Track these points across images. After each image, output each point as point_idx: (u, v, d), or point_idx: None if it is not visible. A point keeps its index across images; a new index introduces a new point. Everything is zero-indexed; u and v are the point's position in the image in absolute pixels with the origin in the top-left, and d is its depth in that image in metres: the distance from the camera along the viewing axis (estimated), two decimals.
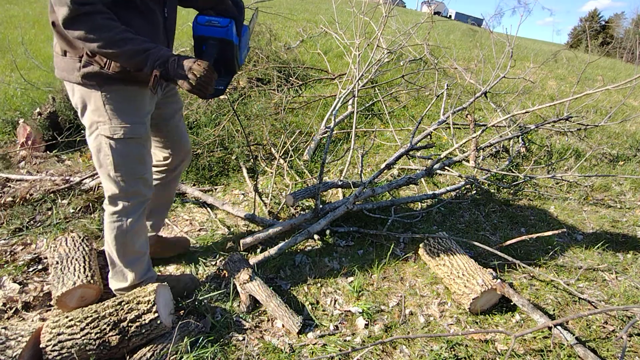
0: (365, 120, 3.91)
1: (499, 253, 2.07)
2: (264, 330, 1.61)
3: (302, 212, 2.40)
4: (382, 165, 2.28)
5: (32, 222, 2.06)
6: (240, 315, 1.65)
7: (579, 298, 1.94)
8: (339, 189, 2.62)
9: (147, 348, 1.38)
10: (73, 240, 1.74)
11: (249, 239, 2.00)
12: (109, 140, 1.32)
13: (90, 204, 2.22)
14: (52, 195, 2.23)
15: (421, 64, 5.22)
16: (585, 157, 3.57)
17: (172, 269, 1.88)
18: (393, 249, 2.17)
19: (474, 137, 2.68)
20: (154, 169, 1.69)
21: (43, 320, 1.52)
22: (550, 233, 2.26)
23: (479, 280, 1.74)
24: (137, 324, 1.37)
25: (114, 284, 1.57)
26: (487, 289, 1.71)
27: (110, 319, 1.35)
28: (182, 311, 1.62)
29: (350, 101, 3.80)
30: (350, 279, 1.93)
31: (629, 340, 1.70)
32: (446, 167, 2.87)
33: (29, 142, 2.70)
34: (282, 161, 2.82)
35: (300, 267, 1.97)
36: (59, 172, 2.53)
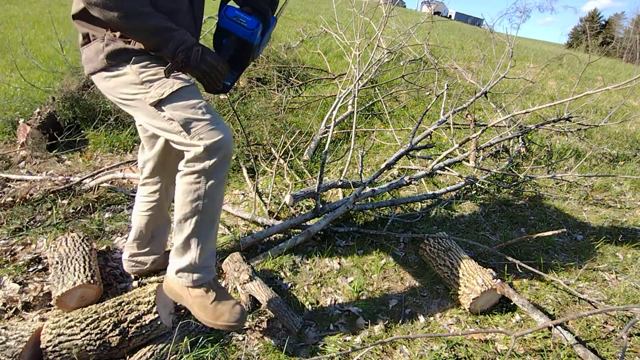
0: (365, 120, 3.91)
1: (499, 253, 2.07)
2: (264, 330, 1.61)
3: (302, 212, 2.40)
4: (382, 166, 2.28)
5: (32, 222, 2.05)
6: None
7: (579, 298, 1.94)
8: (339, 189, 2.62)
9: (147, 348, 1.38)
10: (73, 240, 1.74)
11: (248, 239, 2.00)
12: (162, 105, 1.19)
13: (90, 204, 2.22)
14: (52, 195, 2.23)
15: (421, 64, 5.22)
16: (586, 157, 3.57)
17: None
18: (393, 249, 2.17)
19: (474, 137, 2.69)
20: (145, 188, 1.62)
21: (43, 320, 1.52)
22: (550, 233, 2.26)
23: (479, 280, 1.74)
24: (138, 324, 1.37)
25: (176, 264, 1.32)
26: (487, 289, 1.71)
27: (111, 319, 1.35)
28: (182, 311, 1.62)
29: (350, 101, 3.80)
30: (350, 279, 1.93)
31: (629, 340, 1.70)
32: (446, 167, 2.87)
33: (29, 142, 2.70)
34: (282, 161, 2.82)
35: (300, 267, 1.97)
36: (59, 172, 2.53)
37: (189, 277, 1.30)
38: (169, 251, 1.76)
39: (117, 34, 1.19)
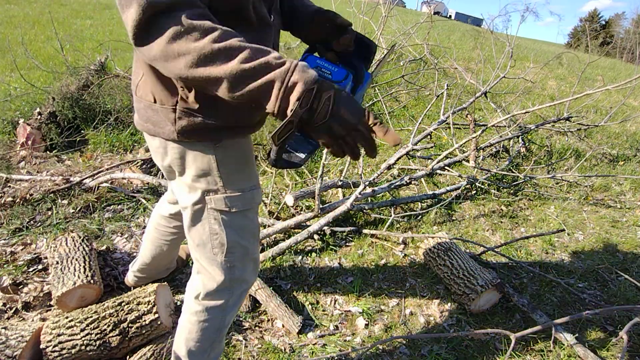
0: None
1: (499, 253, 2.07)
2: (264, 330, 1.61)
3: (302, 212, 2.40)
4: (383, 166, 2.28)
5: (32, 222, 2.05)
6: (240, 315, 1.65)
7: (579, 298, 1.94)
8: (339, 189, 2.62)
9: (147, 348, 1.38)
10: (73, 240, 1.74)
11: None
12: (222, 215, 0.95)
13: (90, 204, 2.22)
14: (52, 195, 2.23)
15: (421, 64, 5.22)
16: (586, 157, 3.57)
17: None
18: (393, 249, 2.17)
19: (474, 137, 2.68)
20: (172, 219, 1.38)
21: (43, 320, 1.52)
22: (550, 233, 2.26)
23: (479, 281, 1.74)
24: (138, 324, 1.37)
25: None
26: (487, 289, 1.71)
27: (111, 319, 1.35)
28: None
29: None
30: (350, 279, 1.93)
31: (629, 341, 1.70)
32: (446, 167, 2.87)
33: (29, 142, 2.70)
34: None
35: (300, 267, 1.97)
36: (59, 172, 2.53)
37: None
38: (178, 260, 1.73)
39: (192, 100, 0.83)
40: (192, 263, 1.13)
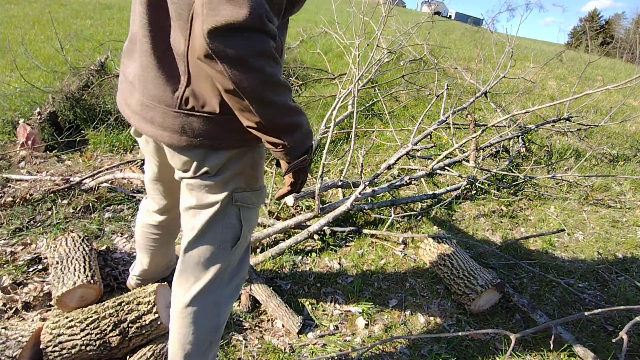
0: (365, 120, 3.91)
1: (499, 253, 2.07)
2: (264, 330, 1.61)
3: (302, 212, 2.40)
4: (383, 166, 2.28)
5: (32, 222, 2.06)
6: (240, 315, 1.65)
7: (579, 298, 1.94)
8: (339, 189, 2.62)
9: (147, 348, 1.38)
10: (73, 240, 1.74)
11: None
12: (242, 211, 1.00)
13: (90, 204, 2.22)
14: (52, 195, 2.23)
15: (421, 64, 5.22)
16: (586, 157, 3.57)
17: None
18: (393, 249, 2.17)
19: (474, 137, 2.68)
20: (159, 226, 1.37)
21: (43, 320, 1.52)
22: (550, 233, 2.26)
23: (479, 280, 1.74)
24: (138, 324, 1.37)
25: None
26: (487, 289, 1.71)
27: (111, 319, 1.35)
28: None
29: (350, 101, 3.80)
30: (350, 279, 1.93)
31: (629, 341, 1.70)
32: (446, 167, 2.87)
33: (29, 142, 2.70)
34: None
35: (300, 267, 1.97)
36: (59, 172, 2.53)
37: None
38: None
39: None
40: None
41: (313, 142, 0.89)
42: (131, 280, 1.66)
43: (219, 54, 0.66)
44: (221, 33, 0.65)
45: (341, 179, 2.54)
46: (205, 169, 0.92)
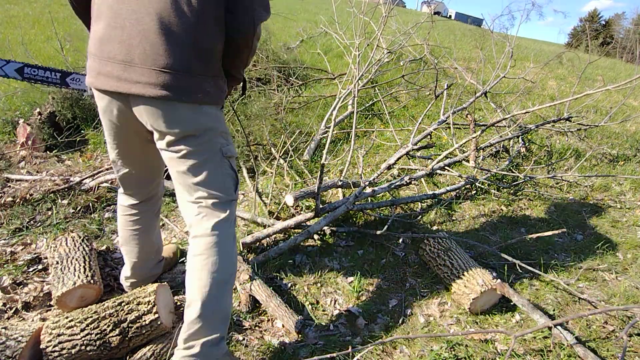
0: (365, 120, 3.91)
1: (499, 253, 2.07)
2: (264, 330, 1.61)
3: (302, 212, 2.40)
4: (383, 166, 2.28)
5: (32, 222, 2.06)
6: (240, 315, 1.65)
7: (579, 298, 1.94)
8: (339, 189, 2.62)
9: (147, 348, 1.38)
10: (73, 240, 1.74)
11: (248, 239, 2.00)
12: (230, 161, 1.29)
13: (90, 204, 2.22)
14: (52, 195, 2.23)
15: (421, 64, 5.22)
16: (586, 157, 3.57)
17: (164, 275, 1.88)
18: (393, 249, 2.17)
19: (474, 137, 2.68)
20: (134, 207, 1.49)
21: (43, 320, 1.52)
22: (550, 233, 2.26)
23: (479, 280, 1.74)
24: (138, 324, 1.37)
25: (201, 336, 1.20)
26: (487, 289, 1.71)
27: (111, 319, 1.35)
28: (181, 309, 1.62)
29: (350, 101, 3.80)
30: (350, 279, 1.93)
31: (629, 340, 1.70)
32: (446, 167, 2.87)
33: (29, 142, 2.70)
34: (282, 161, 2.82)
35: (300, 267, 1.97)
36: (59, 172, 2.53)
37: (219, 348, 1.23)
38: (162, 260, 1.74)
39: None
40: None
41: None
42: (125, 284, 1.65)
43: (256, 36, 1.21)
44: (258, 25, 1.18)
45: (341, 179, 2.54)
46: (202, 125, 1.20)
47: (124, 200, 1.49)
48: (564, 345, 1.62)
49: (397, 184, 2.52)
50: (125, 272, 1.62)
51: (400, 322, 1.72)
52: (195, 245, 1.24)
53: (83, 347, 1.31)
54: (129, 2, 1.07)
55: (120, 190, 1.48)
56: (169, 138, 1.18)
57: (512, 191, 2.96)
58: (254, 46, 1.22)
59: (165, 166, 1.39)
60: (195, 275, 1.21)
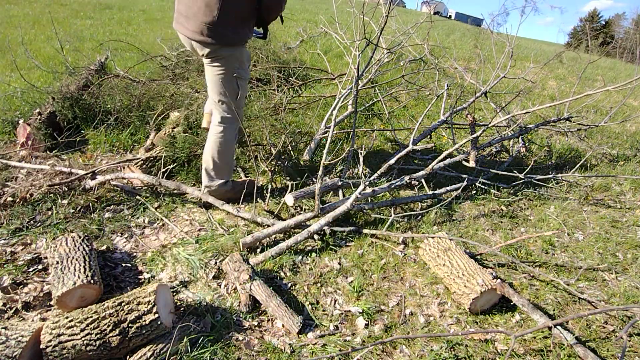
0: (365, 120, 3.91)
1: (499, 253, 2.07)
2: (264, 330, 1.61)
3: (302, 212, 2.39)
4: (383, 166, 2.28)
5: (32, 222, 2.06)
6: (240, 315, 1.65)
7: (579, 298, 1.94)
8: (339, 189, 2.62)
9: (147, 348, 1.38)
10: (73, 240, 1.74)
11: (249, 239, 2.00)
12: (238, 80, 2.10)
13: (90, 204, 2.22)
14: (52, 195, 2.23)
15: (421, 64, 5.22)
16: (586, 157, 3.57)
17: (165, 275, 1.88)
18: (393, 249, 2.17)
19: (474, 137, 2.68)
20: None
21: (43, 320, 1.52)
22: (550, 233, 2.26)
23: (479, 280, 1.74)
24: (138, 324, 1.37)
25: (214, 182, 2.25)
26: (487, 289, 1.71)
27: (111, 319, 1.35)
28: (182, 309, 1.62)
29: (350, 101, 3.80)
30: (350, 279, 1.93)
31: (629, 340, 1.70)
32: (446, 167, 2.87)
33: (29, 142, 2.70)
34: (282, 161, 2.82)
35: (300, 267, 1.97)
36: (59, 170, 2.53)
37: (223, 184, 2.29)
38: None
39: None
40: None
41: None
42: (207, 194, 2.30)
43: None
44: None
45: (341, 179, 2.54)
46: (221, 54, 2.02)
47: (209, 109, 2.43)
48: (564, 345, 1.62)
49: (397, 184, 2.52)
50: (205, 181, 2.28)
51: (400, 322, 1.72)
52: (211, 128, 2.21)
53: (83, 347, 1.31)
54: None
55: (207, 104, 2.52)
56: (205, 60, 2.06)
57: (512, 191, 2.96)
58: (282, 7, 2.01)
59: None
60: (207, 145, 2.21)
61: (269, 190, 2.42)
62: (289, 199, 2.24)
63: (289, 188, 2.60)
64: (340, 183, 2.51)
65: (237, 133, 2.25)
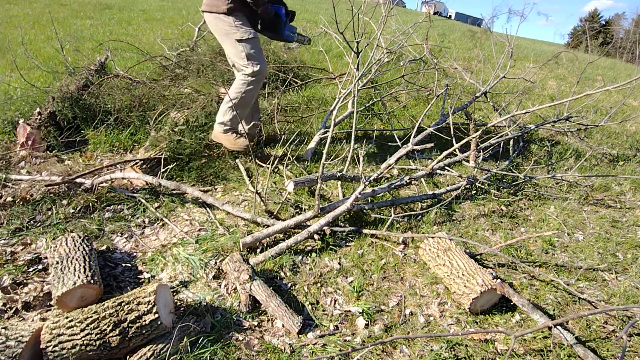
0: (365, 120, 3.91)
1: (499, 253, 2.07)
2: (264, 330, 1.61)
3: (302, 212, 2.39)
4: (383, 166, 2.28)
5: (32, 222, 2.06)
6: (240, 315, 1.65)
7: (579, 298, 1.94)
8: (339, 190, 2.62)
9: (147, 348, 1.38)
10: (73, 240, 1.74)
11: (249, 239, 2.00)
12: (240, 42, 2.41)
13: (90, 204, 2.22)
14: (52, 195, 2.23)
15: (421, 64, 5.22)
16: (586, 157, 3.57)
17: (165, 275, 1.88)
18: (393, 249, 2.17)
19: (474, 137, 2.68)
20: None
21: (43, 320, 1.52)
22: (550, 233, 2.26)
23: (479, 280, 1.74)
24: (138, 324, 1.37)
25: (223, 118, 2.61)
26: (487, 289, 1.71)
27: (111, 319, 1.35)
28: (182, 309, 1.62)
29: (350, 101, 3.80)
30: (350, 279, 1.93)
31: (629, 340, 1.70)
32: (446, 167, 2.87)
33: (29, 142, 2.70)
34: (281, 161, 2.82)
35: (300, 267, 1.97)
36: (59, 172, 2.53)
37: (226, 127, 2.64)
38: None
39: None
40: None
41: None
42: (245, 137, 2.60)
43: None
44: None
45: (342, 173, 2.54)
46: (225, 25, 2.41)
47: None
48: (564, 345, 1.62)
49: (397, 184, 2.52)
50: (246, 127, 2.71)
51: (400, 322, 1.72)
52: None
53: (83, 347, 1.31)
54: None
55: None
56: (211, 29, 2.49)
57: (512, 191, 2.96)
58: None
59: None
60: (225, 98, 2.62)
61: (267, 189, 2.42)
62: (289, 185, 2.24)
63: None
64: (339, 175, 2.50)
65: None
